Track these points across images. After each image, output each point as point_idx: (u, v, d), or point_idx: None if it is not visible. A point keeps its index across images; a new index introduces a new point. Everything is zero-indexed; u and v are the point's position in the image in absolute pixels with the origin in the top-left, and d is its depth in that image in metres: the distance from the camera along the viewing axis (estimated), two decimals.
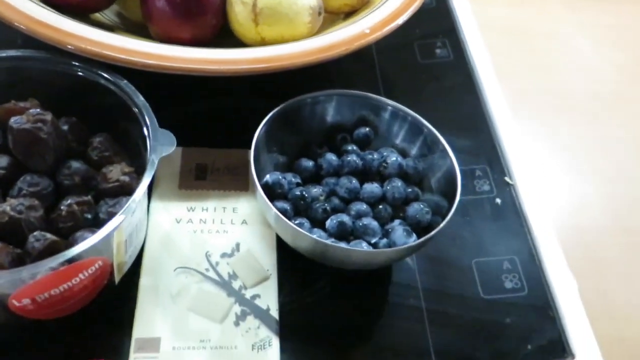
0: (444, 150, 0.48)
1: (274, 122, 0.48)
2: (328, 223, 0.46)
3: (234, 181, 0.50)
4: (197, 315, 0.42)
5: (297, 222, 0.45)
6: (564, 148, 0.60)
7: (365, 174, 0.49)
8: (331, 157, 0.49)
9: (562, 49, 0.72)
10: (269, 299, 0.44)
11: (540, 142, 0.60)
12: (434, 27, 0.70)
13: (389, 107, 0.50)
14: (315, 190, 0.48)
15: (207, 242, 0.46)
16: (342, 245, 0.43)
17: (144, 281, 0.44)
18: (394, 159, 0.48)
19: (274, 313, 0.43)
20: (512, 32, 0.72)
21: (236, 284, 0.44)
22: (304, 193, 0.47)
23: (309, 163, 0.49)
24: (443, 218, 0.44)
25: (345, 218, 0.45)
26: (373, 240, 0.45)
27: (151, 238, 0.46)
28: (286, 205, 0.46)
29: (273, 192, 0.47)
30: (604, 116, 0.64)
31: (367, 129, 0.51)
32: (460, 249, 0.51)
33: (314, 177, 0.50)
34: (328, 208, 0.47)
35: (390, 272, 0.49)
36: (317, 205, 0.47)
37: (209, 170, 0.50)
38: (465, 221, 0.52)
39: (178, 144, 0.46)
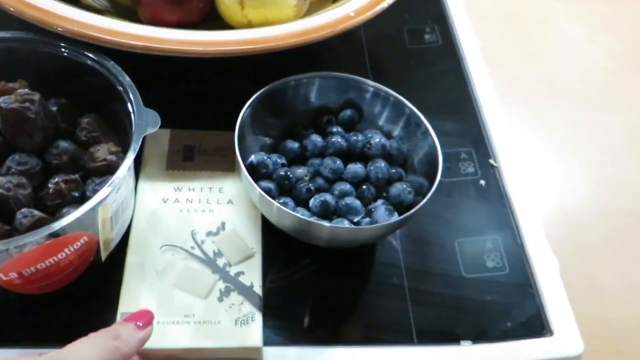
0: (426, 130, 0.48)
1: (258, 104, 0.49)
2: (311, 202, 0.46)
3: (220, 162, 0.51)
4: (182, 291, 0.43)
5: (281, 201, 0.46)
6: (550, 133, 0.61)
7: (349, 155, 0.50)
8: (316, 138, 0.50)
9: (555, 36, 0.73)
10: (253, 276, 0.45)
11: (527, 127, 0.61)
12: (424, 13, 0.70)
13: (371, 88, 0.51)
14: (300, 171, 0.49)
15: (193, 221, 0.47)
16: (325, 223, 0.44)
17: (130, 259, 0.44)
18: (378, 139, 0.49)
19: (258, 289, 0.44)
20: (504, 18, 0.73)
21: (221, 262, 0.45)
22: (288, 173, 0.47)
23: (294, 144, 0.50)
24: (425, 178, 0.45)
25: (328, 197, 0.46)
26: (356, 219, 0.46)
27: (138, 217, 0.47)
28: (270, 185, 0.47)
29: (258, 173, 0.47)
30: (592, 102, 0.65)
31: (352, 111, 0.52)
32: (444, 229, 0.52)
33: (299, 158, 0.50)
34: (312, 188, 0.47)
35: (375, 252, 0.50)
36: (302, 185, 0.47)
37: (196, 151, 0.51)
38: (450, 202, 0.53)
39: (166, 126, 0.47)
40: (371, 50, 0.65)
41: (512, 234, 0.52)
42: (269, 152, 0.50)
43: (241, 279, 0.44)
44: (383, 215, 0.45)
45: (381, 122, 0.52)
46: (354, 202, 0.46)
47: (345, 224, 0.45)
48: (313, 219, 0.44)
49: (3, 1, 0.47)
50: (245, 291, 0.44)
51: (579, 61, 0.70)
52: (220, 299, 0.43)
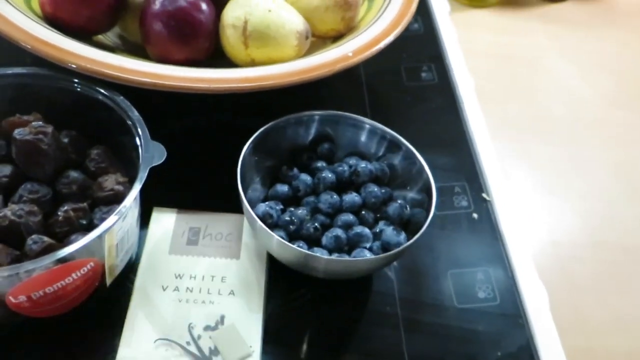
0: (422, 167, 0.50)
1: (255, 147, 0.50)
2: (324, 240, 0.48)
3: (225, 248, 0.49)
4: None
5: (298, 245, 0.47)
6: (541, 167, 0.63)
7: (338, 185, 0.52)
8: (305, 177, 0.52)
9: (545, 74, 0.75)
10: None
11: (519, 162, 0.63)
12: (421, 52, 0.73)
13: (367, 126, 0.53)
14: (300, 212, 0.50)
15: (191, 313, 0.45)
16: (368, 255, 0.47)
17: (123, 352, 0.43)
18: (364, 165, 0.51)
19: None
20: (496, 57, 0.76)
21: None
22: (292, 217, 0.49)
23: (284, 187, 0.51)
24: (421, 208, 0.48)
25: (339, 232, 0.48)
26: (368, 245, 0.48)
27: (135, 305, 0.45)
28: (282, 233, 0.48)
29: (265, 224, 0.46)
30: (582, 138, 0.67)
31: (329, 143, 0.54)
32: (437, 260, 0.53)
33: (290, 200, 0.51)
34: (317, 225, 0.49)
35: (371, 282, 0.52)
36: (308, 225, 0.49)
37: (201, 235, 0.50)
38: (443, 234, 0.55)
39: (174, 206, 0.49)
40: (370, 87, 0.68)
41: (503, 265, 0.53)
42: (261, 200, 0.52)
43: None
44: (392, 235, 0.48)
45: (358, 147, 0.54)
46: (363, 230, 0.48)
47: (367, 254, 0.47)
48: (342, 257, 0.47)
49: (21, 39, 0.50)
50: None
51: (569, 98, 0.72)
52: None
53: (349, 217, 0.50)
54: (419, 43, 0.74)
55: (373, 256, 0.46)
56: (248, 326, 0.45)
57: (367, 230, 0.49)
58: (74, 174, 0.47)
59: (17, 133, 0.45)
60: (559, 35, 0.81)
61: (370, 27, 0.57)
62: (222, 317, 0.45)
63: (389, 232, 0.48)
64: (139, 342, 0.43)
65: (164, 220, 0.50)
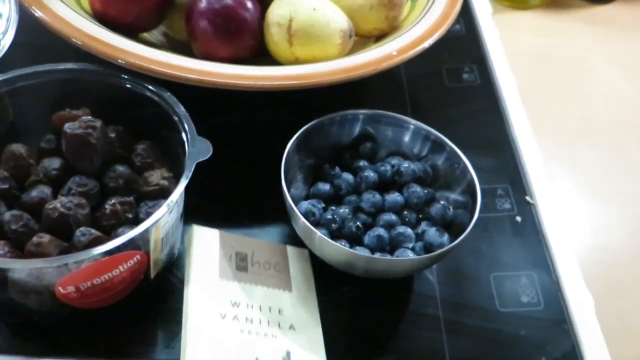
0: (465, 168, 0.50)
1: (296, 148, 0.50)
2: (367, 239, 0.48)
3: (275, 278, 0.46)
4: None
5: (341, 243, 0.47)
6: (585, 171, 0.62)
7: (380, 185, 0.52)
8: (347, 176, 0.51)
9: (589, 76, 0.74)
10: None
11: (562, 165, 0.62)
12: (463, 53, 0.72)
13: (412, 126, 0.53)
14: (342, 211, 0.49)
15: (257, 346, 0.40)
16: (411, 255, 0.47)
17: None
18: (407, 165, 0.51)
19: None
20: (539, 59, 0.75)
21: None
22: (334, 216, 0.49)
23: (325, 186, 0.51)
24: (464, 210, 0.48)
25: (381, 231, 0.48)
26: (410, 246, 0.48)
27: (193, 331, 0.40)
28: (324, 231, 0.48)
29: (307, 221, 0.46)
30: (627, 142, 0.66)
31: (371, 142, 0.54)
32: (480, 263, 0.53)
33: (332, 199, 0.51)
34: (360, 225, 0.49)
35: (411, 283, 0.51)
36: (350, 224, 0.49)
37: (249, 262, 0.46)
38: (485, 237, 0.54)
39: (214, 224, 0.48)
40: (411, 87, 0.67)
41: (547, 270, 0.52)
42: (304, 198, 0.51)
43: None
44: (435, 235, 0.48)
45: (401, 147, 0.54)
46: (406, 230, 0.48)
47: (409, 254, 0.47)
48: (383, 256, 0.47)
49: (72, 35, 0.51)
50: None
51: (613, 102, 0.71)
52: None
53: (391, 216, 0.49)
54: (461, 44, 0.73)
55: (416, 256, 0.46)
56: None
57: (409, 231, 0.48)
58: (120, 168, 0.48)
59: (67, 127, 0.46)
60: (603, 37, 0.79)
61: (413, 26, 0.57)
62: (289, 354, 0.41)
63: (431, 232, 0.48)
64: None
65: (208, 238, 0.46)
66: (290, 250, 0.49)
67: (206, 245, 0.45)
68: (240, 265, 0.45)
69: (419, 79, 0.68)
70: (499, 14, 0.78)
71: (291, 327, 0.43)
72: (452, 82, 0.69)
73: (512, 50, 0.74)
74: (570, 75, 0.73)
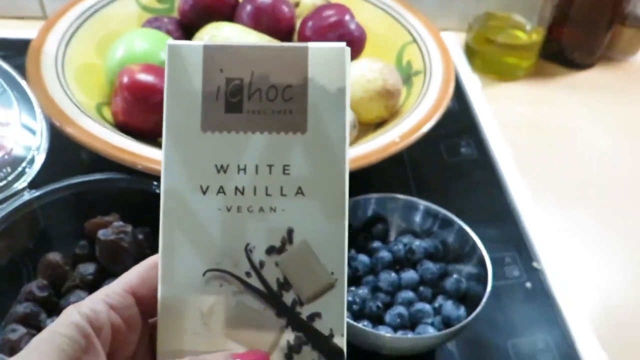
0: (474, 244, 0.53)
1: None
2: (388, 318, 0.50)
3: (283, 114, 0.30)
4: (237, 344, 0.30)
5: (363, 324, 0.49)
6: (587, 233, 0.65)
7: (394, 264, 0.54)
8: (363, 257, 0.54)
9: (579, 141, 0.78)
10: (332, 318, 0.30)
11: (564, 229, 0.65)
12: (458, 128, 0.77)
13: (422, 207, 0.56)
14: (362, 291, 0.52)
15: (247, 228, 0.30)
16: (432, 331, 0.49)
17: (164, 291, 0.30)
18: (418, 244, 0.54)
19: (340, 341, 0.30)
20: (530, 128, 0.79)
21: (288, 297, 0.30)
22: (355, 297, 0.52)
23: None
24: (476, 281, 0.51)
25: (401, 309, 0.51)
26: (429, 321, 0.50)
27: (168, 221, 0.30)
28: (347, 313, 0.50)
29: None
30: (622, 201, 0.69)
31: (383, 223, 0.57)
32: (496, 330, 0.55)
33: (349, 280, 0.54)
34: (380, 304, 0.52)
35: (433, 356, 0.53)
36: (370, 304, 0.51)
37: (245, 93, 0.30)
38: (499, 305, 0.57)
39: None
40: (412, 165, 0.71)
41: (561, 333, 0.55)
42: None
43: (317, 324, 0.30)
44: (452, 309, 0.50)
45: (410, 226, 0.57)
46: (424, 306, 0.51)
47: (430, 329, 0.49)
48: (409, 334, 0.49)
49: (94, 145, 0.55)
50: (322, 344, 0.30)
51: (606, 164, 0.75)
52: (289, 357, 0.30)
53: (409, 294, 0.52)
54: (455, 119, 0.78)
55: (438, 332, 0.48)
56: (327, 242, 0.30)
57: (427, 306, 0.51)
58: None
59: (102, 234, 0.49)
60: (589, 102, 0.84)
61: (412, 112, 0.61)
62: (290, 232, 0.30)
63: (448, 306, 0.51)
64: (183, 276, 0.30)
65: (187, 62, 0.30)
66: (316, 52, 0.30)
67: (185, 76, 0.30)
68: (232, 102, 0.30)
69: (419, 156, 0.72)
70: (487, 87, 0.84)
71: (299, 191, 0.30)
72: (451, 157, 0.73)
73: (504, 121, 0.79)
74: (561, 141, 0.77)
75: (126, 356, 0.30)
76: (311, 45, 0.30)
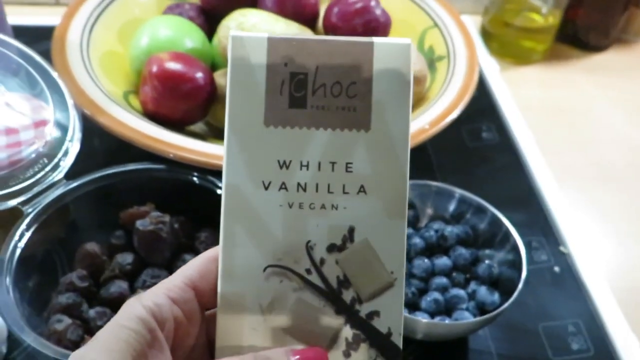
0: (507, 231, 0.53)
1: None
2: (424, 304, 0.51)
3: (347, 111, 0.30)
4: (296, 340, 0.31)
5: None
6: (610, 214, 0.65)
7: (426, 250, 0.55)
8: None
9: (597, 123, 0.79)
10: (391, 317, 0.31)
11: (587, 212, 0.65)
12: (479, 113, 0.77)
13: (457, 195, 0.57)
14: None
15: (308, 225, 0.31)
16: (468, 316, 0.50)
17: (225, 287, 0.30)
18: (450, 229, 0.55)
19: (397, 339, 0.30)
20: (548, 111, 0.79)
21: (347, 295, 0.31)
22: None
23: None
24: (507, 266, 0.51)
25: (436, 295, 0.51)
26: (464, 306, 0.51)
27: (229, 214, 0.30)
28: None
29: None
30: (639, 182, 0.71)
31: (414, 210, 0.58)
32: (527, 315, 0.56)
33: None
34: (415, 290, 0.52)
35: (466, 340, 0.54)
36: (405, 290, 0.52)
37: (309, 87, 0.30)
38: (529, 289, 0.57)
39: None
40: (435, 151, 0.71)
41: (591, 316, 0.55)
42: None
43: (375, 323, 0.31)
44: (486, 294, 0.51)
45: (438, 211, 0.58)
46: (458, 292, 0.51)
47: (466, 315, 0.50)
48: (445, 320, 0.50)
49: (126, 134, 0.55)
50: (380, 342, 0.31)
51: (624, 145, 0.76)
52: (346, 354, 0.30)
53: (443, 280, 0.53)
54: (475, 104, 0.77)
55: (476, 319, 0.49)
56: (387, 241, 0.31)
57: (462, 292, 0.52)
58: (188, 257, 0.51)
59: (140, 224, 0.49)
60: (605, 84, 0.85)
61: (439, 98, 0.61)
62: (351, 230, 0.31)
63: (482, 292, 0.51)
64: (243, 272, 0.30)
65: (251, 55, 0.30)
66: (381, 48, 0.30)
67: (248, 69, 0.30)
68: (296, 97, 0.30)
69: (441, 142, 0.72)
70: (505, 71, 0.84)
71: (361, 189, 0.31)
72: (473, 142, 0.73)
73: (523, 104, 0.79)
74: (580, 124, 0.78)
75: (186, 350, 0.30)
76: (376, 40, 0.29)
